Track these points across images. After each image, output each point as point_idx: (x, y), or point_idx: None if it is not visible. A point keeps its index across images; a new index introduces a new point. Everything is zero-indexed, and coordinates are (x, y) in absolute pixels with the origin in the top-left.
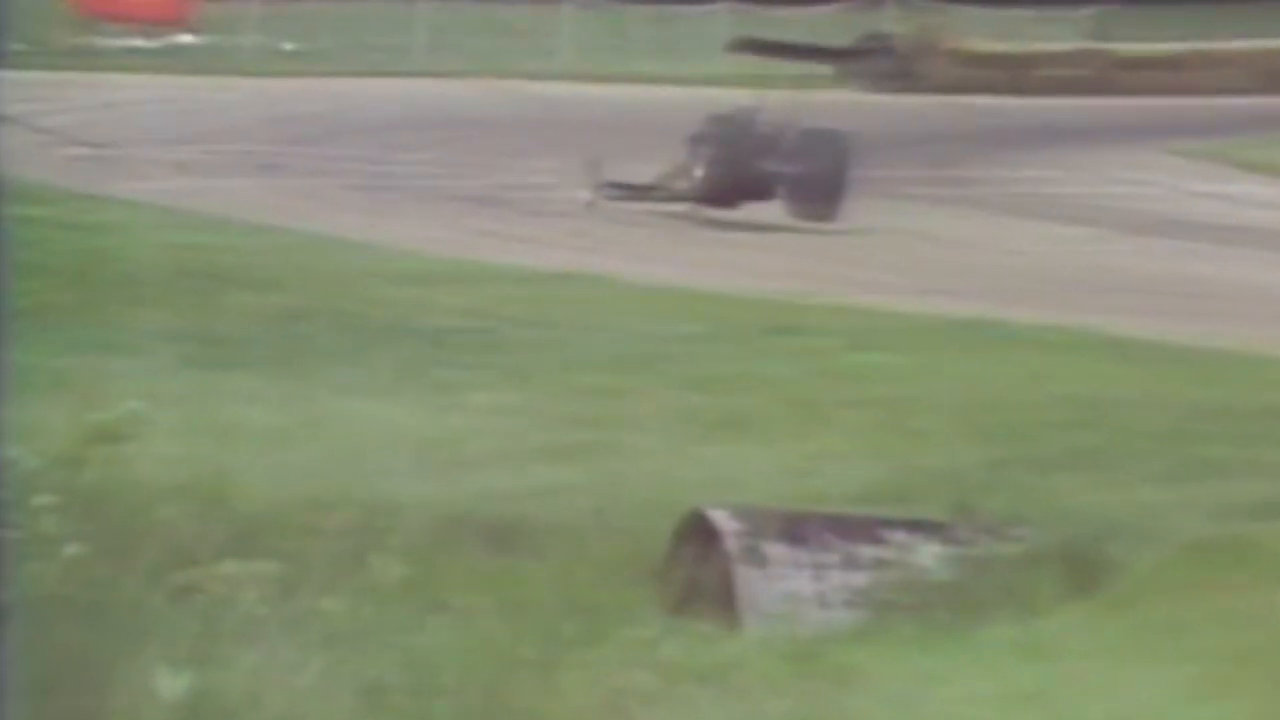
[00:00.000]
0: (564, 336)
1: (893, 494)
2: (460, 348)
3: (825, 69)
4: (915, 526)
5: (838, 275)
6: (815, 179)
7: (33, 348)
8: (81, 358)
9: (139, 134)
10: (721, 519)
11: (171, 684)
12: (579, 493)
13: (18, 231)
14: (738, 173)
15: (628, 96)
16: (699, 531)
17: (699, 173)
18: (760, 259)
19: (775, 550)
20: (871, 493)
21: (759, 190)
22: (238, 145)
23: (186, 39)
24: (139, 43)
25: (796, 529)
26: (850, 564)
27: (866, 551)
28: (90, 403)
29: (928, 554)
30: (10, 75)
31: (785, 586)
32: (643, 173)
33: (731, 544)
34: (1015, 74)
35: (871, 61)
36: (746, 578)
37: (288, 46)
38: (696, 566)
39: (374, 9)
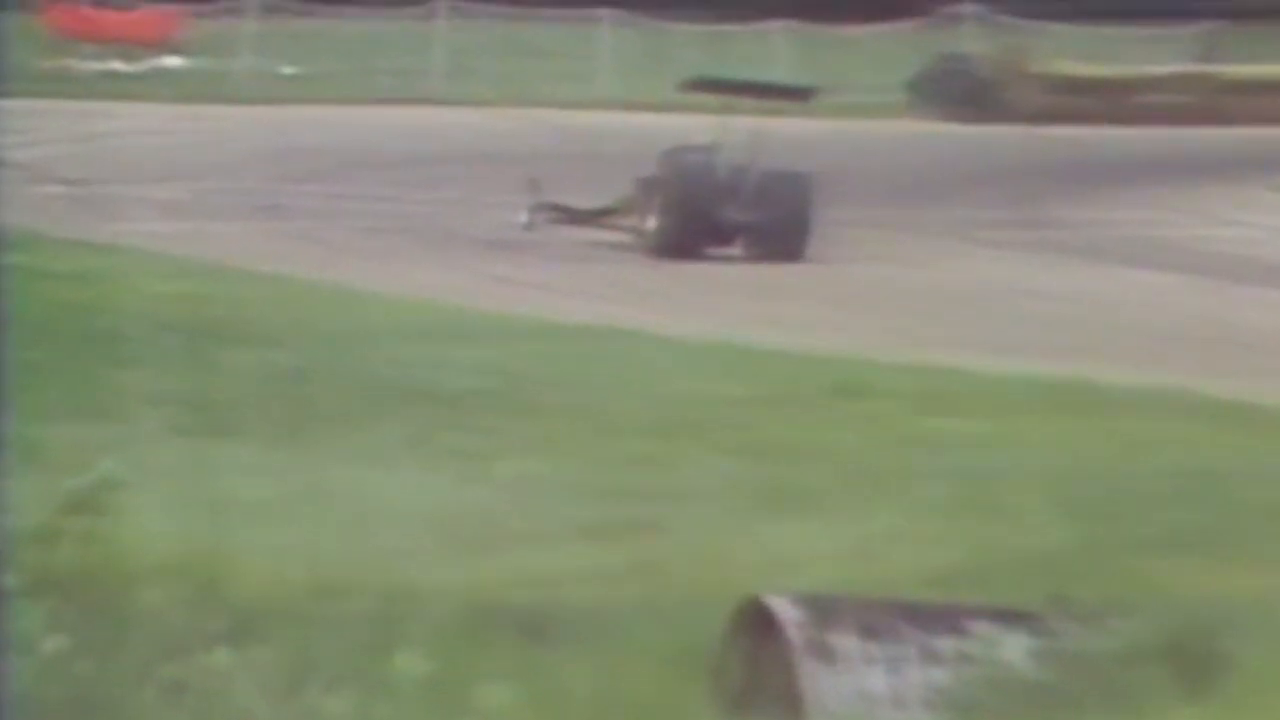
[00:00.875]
0: (598, 398)
1: (974, 579)
2: (482, 411)
3: (895, 95)
4: (1000, 616)
5: (904, 329)
6: (777, 226)
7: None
8: (54, 424)
9: (120, 170)
10: (782, 607)
11: None
12: (621, 576)
13: None
14: (694, 222)
15: (671, 127)
16: (757, 621)
17: (652, 222)
18: (816, 311)
19: (844, 643)
20: (950, 577)
21: (718, 238)
22: (231, 182)
23: (173, 62)
24: (120, 66)
25: (867, 619)
26: (928, 658)
27: (946, 644)
28: (65, 474)
29: (1015, 648)
30: None
31: (856, 683)
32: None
33: (794, 635)
34: (1110, 100)
35: (945, 87)
36: (812, 673)
37: (287, 70)
38: (755, 661)
39: (385, 28)
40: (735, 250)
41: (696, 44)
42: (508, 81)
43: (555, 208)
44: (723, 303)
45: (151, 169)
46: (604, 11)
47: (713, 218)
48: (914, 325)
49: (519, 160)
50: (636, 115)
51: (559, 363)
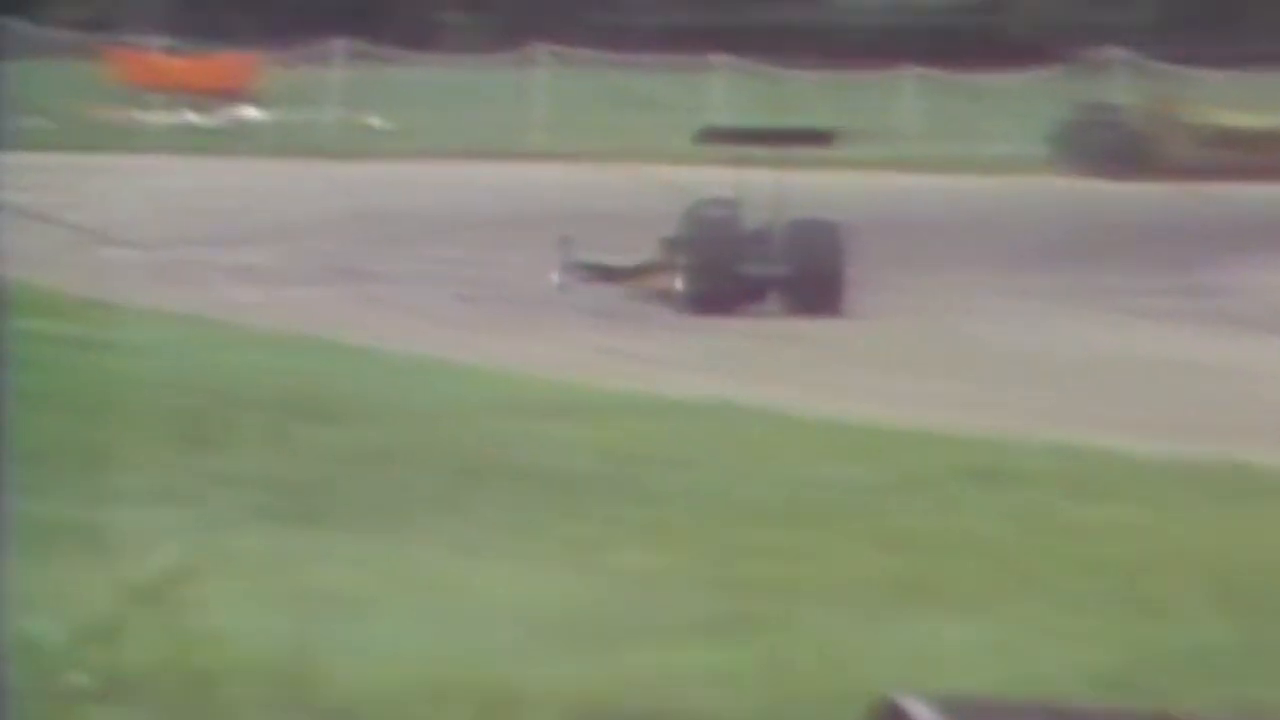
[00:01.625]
0: (717, 482)
1: (1129, 681)
2: (590, 496)
3: (1035, 148)
4: None
5: (1048, 407)
6: (810, 279)
7: (57, 497)
8: (119, 509)
9: (191, 231)
10: (919, 709)
11: None
12: (745, 677)
13: (38, 352)
14: (722, 280)
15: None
16: None
17: (678, 285)
18: (949, 387)
19: None
20: (1102, 679)
21: (748, 295)
22: (313, 245)
23: (250, 114)
24: (193, 119)
25: None
26: None
27: None
28: (134, 564)
29: None
30: (32, 159)
31: None
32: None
33: None
34: (1272, 154)
35: (1090, 139)
36: None
37: (375, 122)
38: None
39: (480, 77)
40: (769, 306)
41: (817, 93)
42: (613, 134)
43: (590, 266)
44: (845, 377)
45: (226, 231)
46: (717, 58)
47: (739, 273)
48: (1055, 401)
49: (626, 221)
50: (752, 171)
51: (673, 442)
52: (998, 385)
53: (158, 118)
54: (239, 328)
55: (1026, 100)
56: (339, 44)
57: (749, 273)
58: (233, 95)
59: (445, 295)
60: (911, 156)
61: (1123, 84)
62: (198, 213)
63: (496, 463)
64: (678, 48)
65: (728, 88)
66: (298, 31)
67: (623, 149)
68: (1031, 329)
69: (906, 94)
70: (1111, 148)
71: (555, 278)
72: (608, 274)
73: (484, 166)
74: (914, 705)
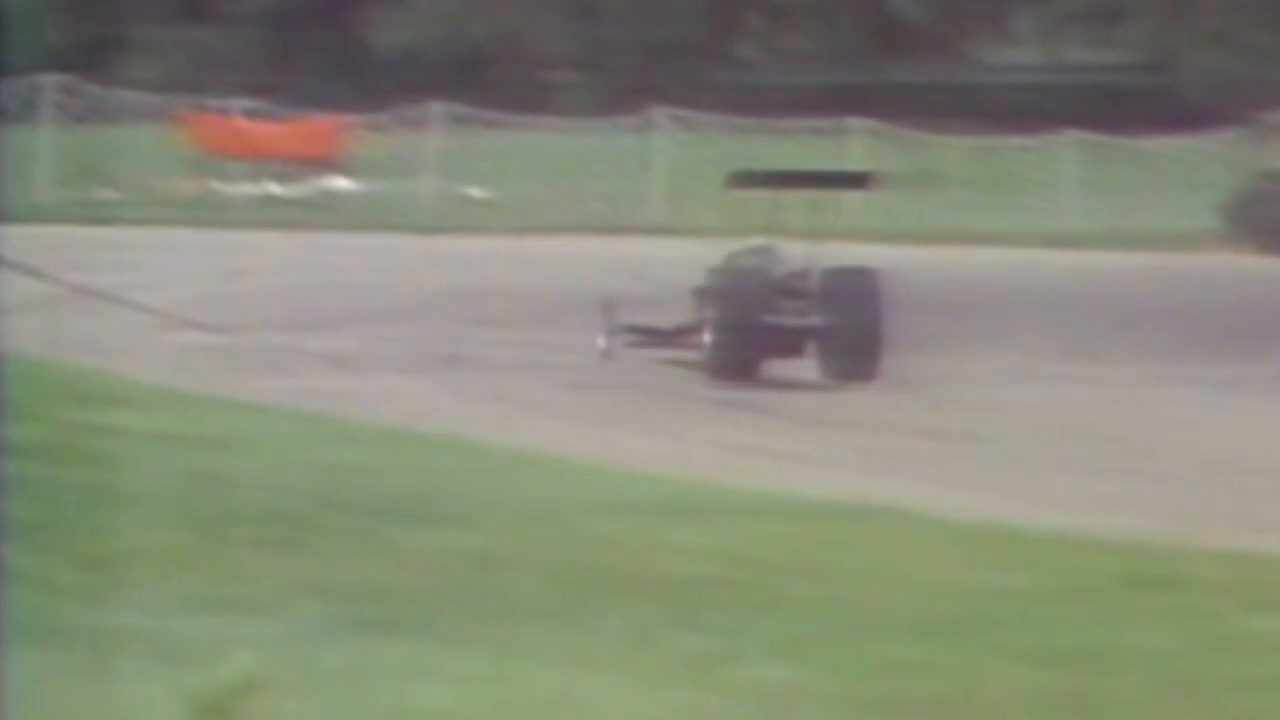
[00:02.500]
0: (852, 592)
1: None
2: (712, 606)
3: (1205, 221)
4: None
5: (1220, 508)
6: (850, 329)
7: (130, 605)
8: (194, 618)
9: (274, 313)
10: None
11: None
12: None
13: (109, 447)
14: (754, 331)
15: (935, 262)
16: None
17: (706, 338)
18: (1107, 485)
19: None
20: None
21: (784, 348)
22: (408, 329)
23: (339, 184)
24: (276, 189)
25: None
26: None
27: None
28: (207, 677)
29: None
30: (101, 234)
31: None
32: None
33: None
34: None
35: (1268, 212)
36: None
37: (476, 193)
38: None
39: (594, 143)
40: (808, 365)
41: (967, 158)
42: (740, 206)
43: (634, 329)
44: (999, 476)
45: (312, 313)
46: (854, 122)
47: (771, 325)
48: (1225, 502)
49: None
50: (897, 248)
51: (804, 547)
52: (1162, 483)
53: (238, 189)
54: (326, 420)
55: (1197, 167)
56: (437, 107)
57: (783, 324)
58: (320, 163)
59: (553, 383)
60: (1068, 230)
61: None
62: (281, 293)
63: (610, 569)
64: (811, 110)
65: (866, 153)
66: (392, 94)
67: (751, 222)
68: (1199, 422)
69: (1064, 160)
70: None
71: (601, 342)
72: (654, 337)
73: (597, 242)
74: None
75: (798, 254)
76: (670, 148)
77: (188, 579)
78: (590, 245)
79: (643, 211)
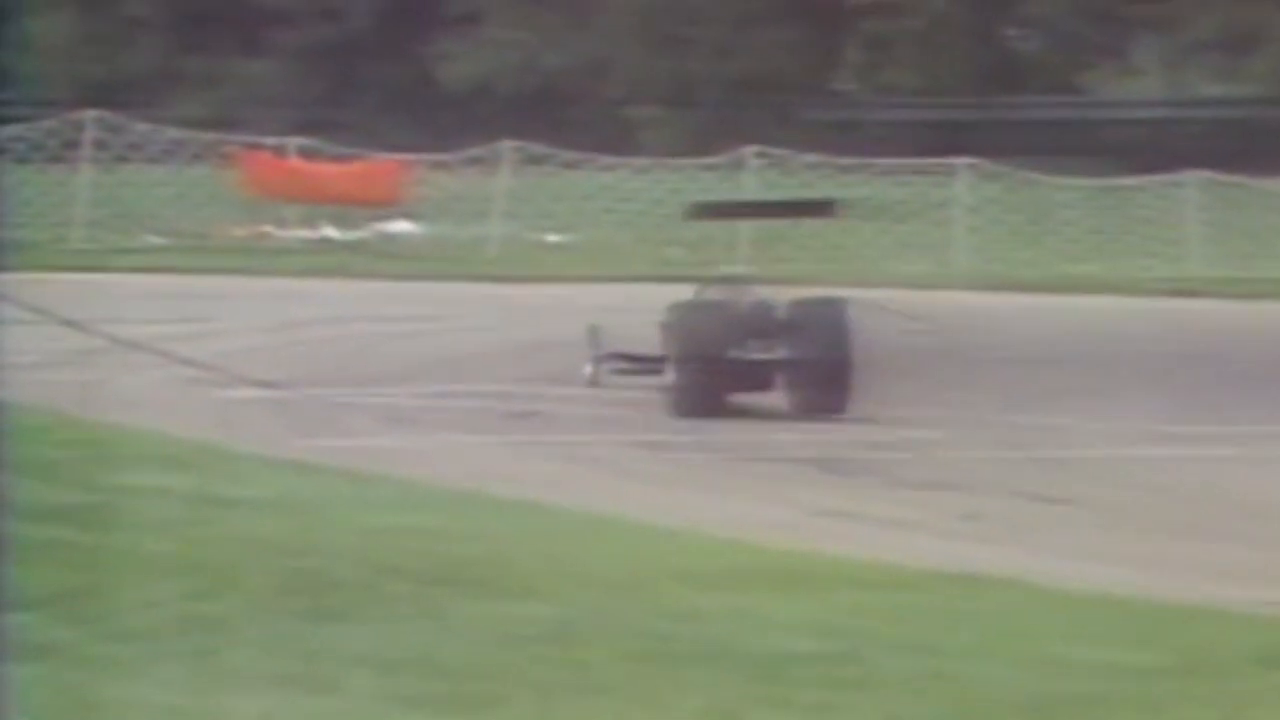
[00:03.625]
0: (958, 668)
1: None
2: (803, 683)
3: None
4: None
5: None
6: (817, 364)
7: (166, 681)
8: (240, 696)
9: (329, 367)
10: None
11: None
12: None
13: (151, 510)
14: (717, 365)
15: (1053, 308)
16: None
17: (669, 377)
18: (1231, 553)
19: None
20: None
21: (749, 383)
22: (476, 384)
23: (402, 227)
24: (333, 234)
25: None
26: None
27: None
28: None
29: None
30: (145, 282)
31: None
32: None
33: None
34: None
35: None
36: None
37: (551, 239)
38: None
39: (678, 185)
40: (776, 400)
41: (1083, 200)
42: (835, 252)
43: (621, 357)
44: (1122, 542)
45: (370, 367)
46: (961, 161)
47: (735, 360)
48: None
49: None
50: (1006, 296)
51: (905, 620)
52: (1253, 545)
53: (292, 233)
54: (384, 481)
55: None
56: (508, 145)
57: (748, 358)
58: (381, 206)
59: (631, 442)
60: (1191, 277)
61: None
62: (337, 345)
63: (692, 642)
64: (915, 149)
65: (973, 197)
66: (459, 131)
67: (846, 269)
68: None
69: (1188, 202)
70: None
71: (587, 370)
72: (641, 364)
73: (680, 290)
74: None
75: (765, 288)
76: (760, 189)
77: (233, 653)
78: (672, 294)
79: (728, 256)
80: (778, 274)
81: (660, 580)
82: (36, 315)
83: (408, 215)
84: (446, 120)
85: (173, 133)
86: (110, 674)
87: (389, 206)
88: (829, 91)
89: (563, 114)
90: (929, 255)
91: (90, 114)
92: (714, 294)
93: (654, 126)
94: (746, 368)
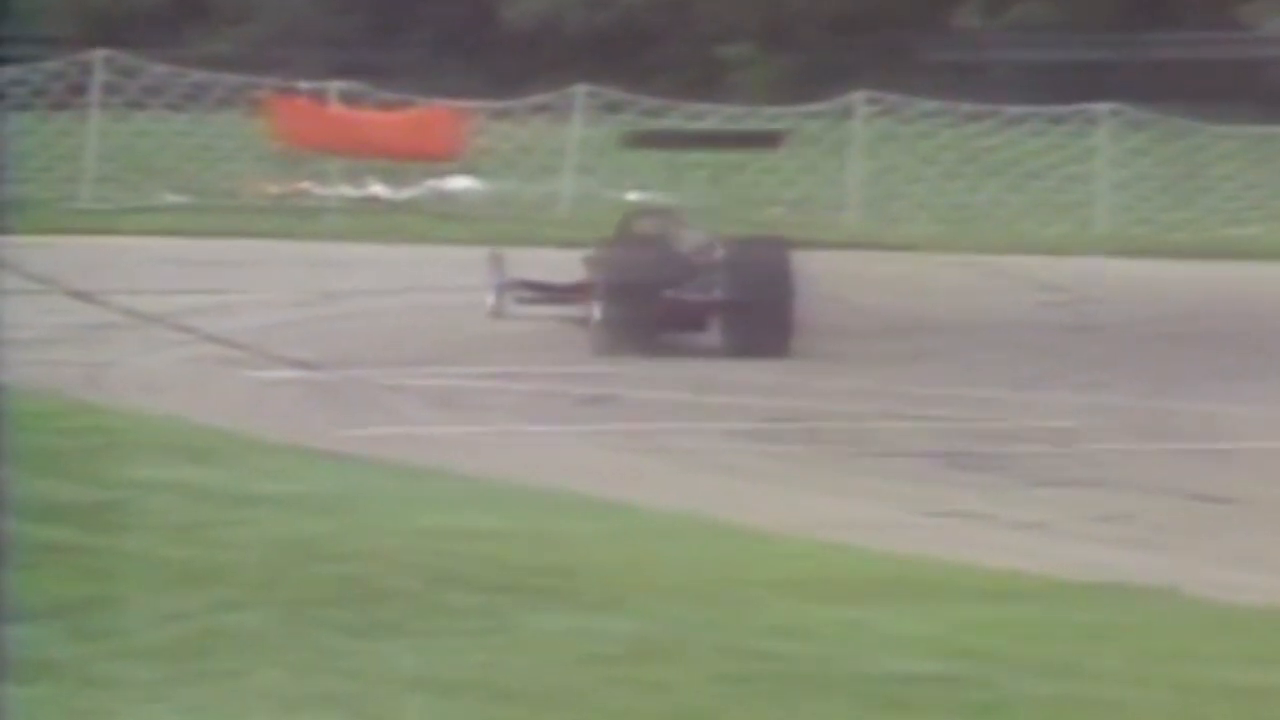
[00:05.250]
0: (1099, 692)
1: None
2: (927, 708)
3: None
4: None
5: None
6: (755, 307)
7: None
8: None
9: (378, 345)
10: None
11: None
12: None
13: (179, 510)
14: (647, 304)
15: (1206, 278)
16: None
17: (595, 313)
18: None
19: None
20: None
21: (682, 323)
22: (543, 364)
23: (460, 184)
24: (381, 191)
25: None
26: None
27: None
28: None
29: None
30: (168, 246)
31: None
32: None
33: None
34: None
35: None
36: None
37: (633, 197)
38: None
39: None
40: (710, 340)
41: (1243, 152)
42: (954, 212)
43: (527, 285)
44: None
45: (423, 344)
46: (1103, 107)
47: (669, 298)
48: None
49: (980, 334)
50: (1155, 263)
51: (1040, 638)
52: None
53: (334, 190)
54: (439, 475)
55: None
56: (581, 91)
57: (681, 298)
58: (436, 160)
59: (722, 431)
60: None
61: None
62: (384, 319)
63: (797, 662)
64: (1049, 94)
65: (1117, 145)
66: (525, 74)
67: (969, 233)
68: None
69: None
70: None
71: (489, 300)
72: (547, 294)
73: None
74: None
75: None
76: (871, 140)
77: (269, 672)
78: None
79: (837, 220)
80: (892, 239)
81: (758, 590)
82: (40, 284)
83: (466, 170)
84: (510, 62)
85: (194, 75)
86: (124, 696)
87: (445, 160)
88: (950, 28)
89: (644, 55)
90: (1065, 216)
91: (100, 53)
92: (649, 224)
93: (747, 68)
94: (677, 308)
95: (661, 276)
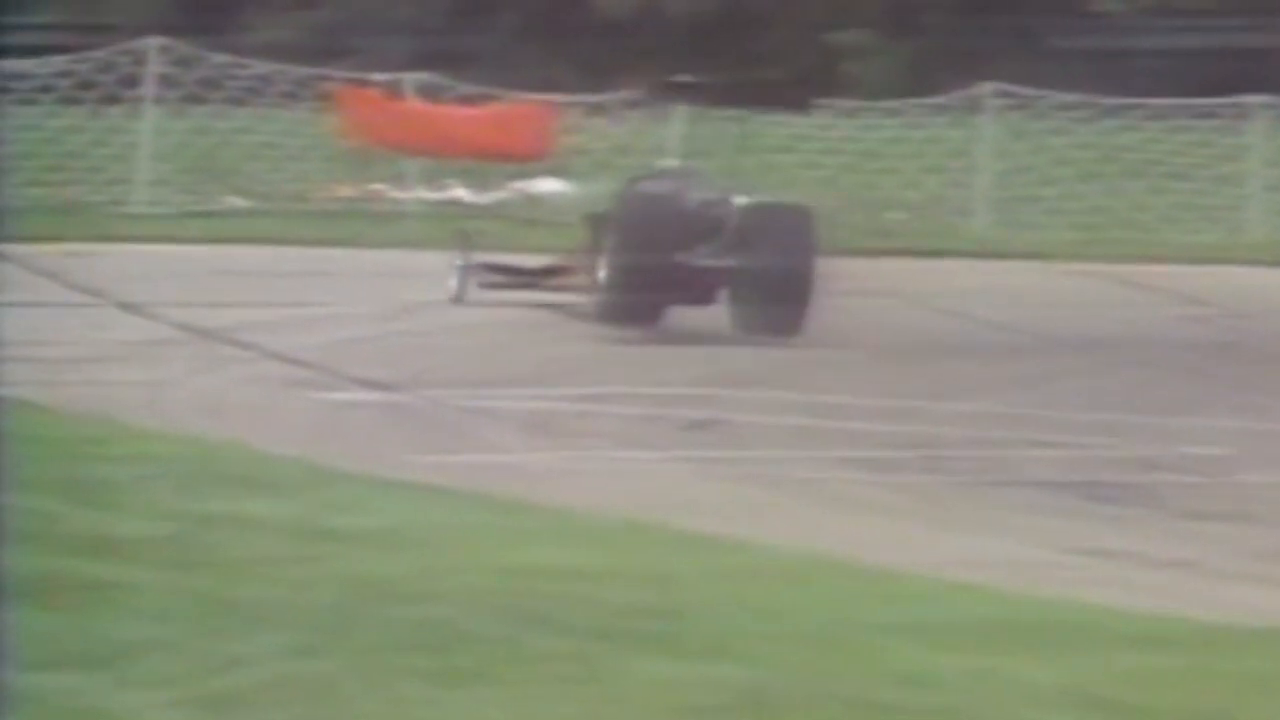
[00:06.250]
0: None
1: None
2: None
3: None
4: None
5: None
6: (771, 276)
7: None
8: None
9: (460, 364)
10: None
11: None
12: None
13: (239, 543)
14: (655, 269)
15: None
16: None
17: (600, 272)
18: None
19: None
20: None
21: (690, 293)
22: (641, 385)
23: (549, 186)
24: (463, 195)
25: None
26: None
27: None
28: None
29: None
30: (227, 255)
31: None
32: None
33: None
34: None
35: None
36: None
37: (739, 201)
38: None
39: (891, 133)
40: (716, 314)
41: None
42: (1097, 218)
43: (493, 268)
44: None
45: (510, 363)
46: (1257, 100)
47: (680, 261)
48: None
49: (1124, 348)
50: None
51: (1194, 688)
52: None
53: (412, 194)
54: (527, 508)
55: None
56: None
57: (691, 264)
58: (523, 160)
59: (840, 460)
60: None
61: None
62: (467, 335)
63: (920, 713)
64: (1197, 85)
65: (1273, 143)
66: (620, 67)
67: (1106, 240)
68: None
69: None
70: None
71: (451, 283)
72: (516, 278)
73: (897, 265)
74: None
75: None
76: (1000, 137)
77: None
78: (888, 269)
79: (963, 226)
80: (1023, 246)
81: (881, 635)
82: (88, 296)
83: (555, 171)
84: (604, 53)
85: (258, 66)
86: None
87: (533, 160)
88: (1088, 12)
89: (750, 45)
90: (1215, 221)
91: (154, 42)
92: (658, 186)
93: (864, 57)
94: (688, 275)
95: (671, 239)
